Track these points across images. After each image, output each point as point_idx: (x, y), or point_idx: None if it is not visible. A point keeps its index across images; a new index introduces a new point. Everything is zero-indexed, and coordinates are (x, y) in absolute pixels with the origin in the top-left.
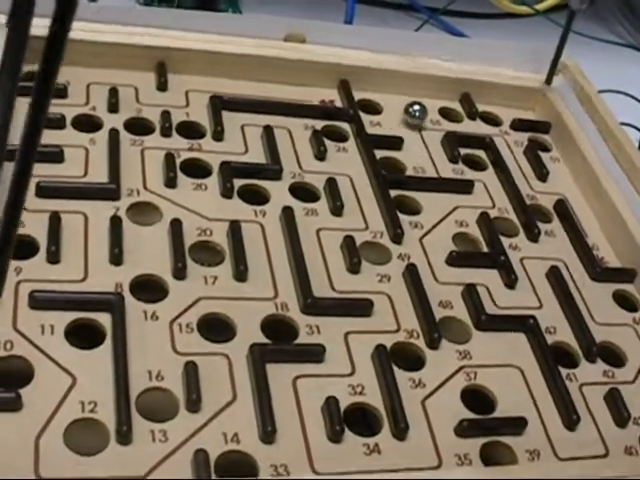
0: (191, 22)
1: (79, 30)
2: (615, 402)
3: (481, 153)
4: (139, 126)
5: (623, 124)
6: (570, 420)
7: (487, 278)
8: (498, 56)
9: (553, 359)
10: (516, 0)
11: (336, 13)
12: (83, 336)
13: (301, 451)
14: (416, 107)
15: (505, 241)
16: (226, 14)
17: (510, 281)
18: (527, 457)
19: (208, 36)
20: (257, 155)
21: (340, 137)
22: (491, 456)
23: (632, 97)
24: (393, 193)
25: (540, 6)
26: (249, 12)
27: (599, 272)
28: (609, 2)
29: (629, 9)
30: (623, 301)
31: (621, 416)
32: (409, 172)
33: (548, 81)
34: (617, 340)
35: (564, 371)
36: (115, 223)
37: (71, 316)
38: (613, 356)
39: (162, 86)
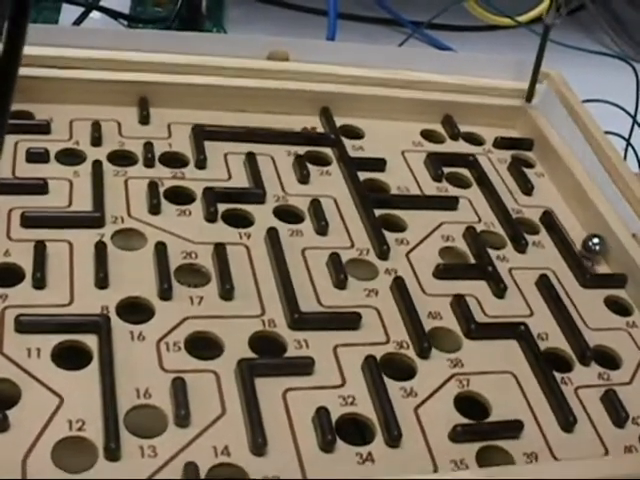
0: (176, 43)
1: (61, 68)
2: (612, 403)
3: (465, 171)
4: (122, 158)
5: (608, 133)
6: (567, 421)
7: (476, 289)
8: (482, 69)
9: (547, 363)
10: (499, 12)
11: (319, 29)
12: (70, 358)
13: (293, 462)
14: (595, 240)
15: (493, 253)
16: (210, 34)
17: (499, 291)
18: (524, 460)
19: (189, 66)
20: (240, 181)
21: (323, 162)
22: (487, 461)
23: (617, 106)
24: (378, 212)
25: (522, 18)
26: (233, 31)
27: (589, 279)
28: (594, 12)
29: (614, 19)
30: (615, 307)
31: (619, 416)
32: (393, 192)
33: (528, 99)
34: (611, 343)
35: (559, 375)
36: (100, 248)
37: (57, 339)
38: (608, 359)
39: (144, 119)
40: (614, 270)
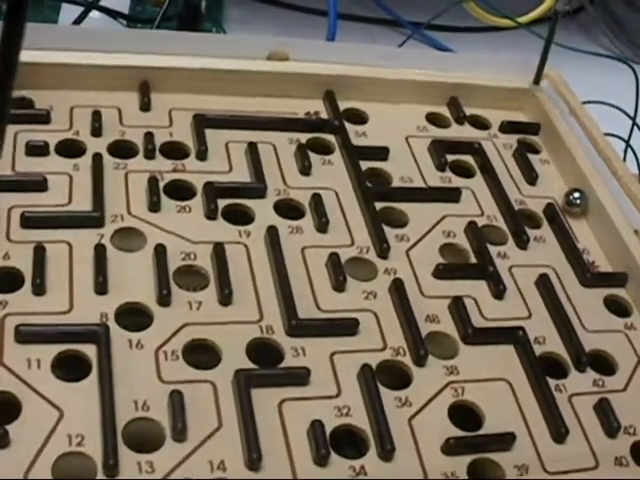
0: (174, 43)
1: (60, 52)
2: (605, 412)
3: (469, 159)
4: (123, 149)
5: (608, 135)
6: (559, 433)
7: (475, 289)
8: (483, 69)
9: (542, 371)
10: (498, 13)
11: (318, 29)
12: (69, 367)
13: (287, 476)
14: (576, 194)
15: (494, 249)
16: (209, 34)
17: (498, 292)
18: (516, 473)
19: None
20: (242, 173)
21: (325, 149)
22: (479, 473)
23: (616, 108)
24: (379, 205)
25: (523, 19)
26: (233, 31)
27: (589, 277)
28: (593, 14)
29: (613, 21)
30: (615, 306)
31: (611, 426)
32: (396, 182)
33: (536, 81)
34: (608, 347)
35: (553, 382)
36: (99, 252)
37: (57, 349)
38: (604, 364)
39: (145, 106)
40: (615, 268)
